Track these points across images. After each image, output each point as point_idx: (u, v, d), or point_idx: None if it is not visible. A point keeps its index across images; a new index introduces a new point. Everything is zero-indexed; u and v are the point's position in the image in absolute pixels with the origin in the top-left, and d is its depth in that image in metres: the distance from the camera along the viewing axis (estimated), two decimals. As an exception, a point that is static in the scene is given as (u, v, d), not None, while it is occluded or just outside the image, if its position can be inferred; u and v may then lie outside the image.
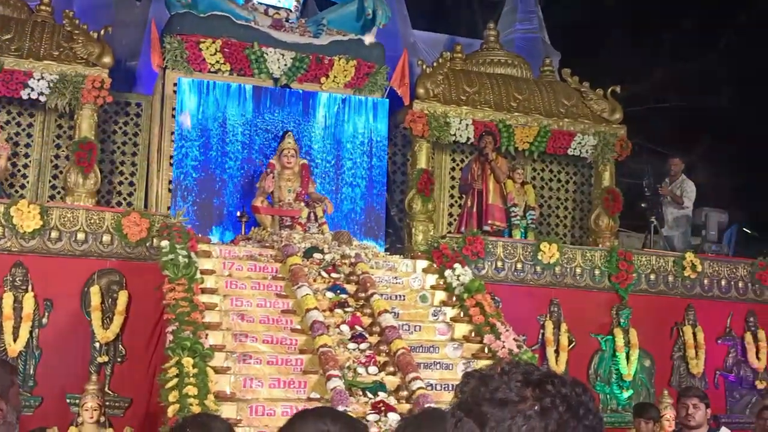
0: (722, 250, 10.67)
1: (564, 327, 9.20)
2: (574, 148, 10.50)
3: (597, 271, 9.53)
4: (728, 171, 16.17)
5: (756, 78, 17.11)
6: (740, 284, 10.10)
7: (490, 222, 9.75)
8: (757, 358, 9.90)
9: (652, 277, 9.76)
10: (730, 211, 11.55)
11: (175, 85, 9.42)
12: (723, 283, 10.03)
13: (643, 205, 10.52)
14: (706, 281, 9.95)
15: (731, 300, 10.05)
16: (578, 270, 9.48)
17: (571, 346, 9.21)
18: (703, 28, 17.38)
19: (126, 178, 9.85)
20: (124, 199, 9.78)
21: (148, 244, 8.06)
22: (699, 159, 15.81)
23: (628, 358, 9.33)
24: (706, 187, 12.30)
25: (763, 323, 10.02)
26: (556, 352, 9.11)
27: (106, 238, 8.08)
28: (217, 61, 9.52)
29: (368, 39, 9.92)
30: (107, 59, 8.91)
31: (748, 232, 14.20)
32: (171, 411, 5.80)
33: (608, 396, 9.36)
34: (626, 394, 9.35)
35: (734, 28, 17.32)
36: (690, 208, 10.89)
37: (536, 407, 1.38)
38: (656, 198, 10.51)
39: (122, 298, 7.84)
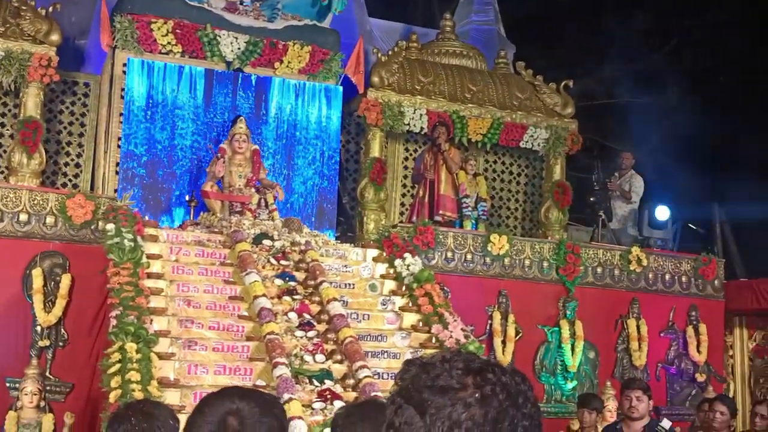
0: (667, 245, 10.86)
1: (511, 318, 9.28)
2: (527, 141, 10.57)
3: (545, 264, 9.63)
4: (676, 168, 16.45)
5: (703, 78, 17.44)
6: (683, 279, 10.30)
7: (441, 212, 9.77)
8: (698, 351, 10.12)
9: (599, 270, 9.90)
10: (676, 208, 11.75)
11: (124, 65, 9.24)
12: (667, 277, 10.22)
13: (591, 199, 10.64)
14: (650, 275, 10.12)
15: (674, 294, 10.25)
16: (527, 262, 9.57)
17: (518, 337, 9.30)
18: (655, 27, 17.63)
19: (72, 159, 9.64)
20: (70, 180, 9.57)
21: (93, 227, 7.91)
22: (647, 156, 16.05)
23: (573, 349, 9.45)
24: (653, 184, 12.49)
25: (705, 317, 10.24)
26: (503, 342, 9.19)
27: (49, 219, 7.91)
28: (169, 42, 9.35)
29: None
30: (55, 37, 8.68)
31: (693, 228, 14.48)
32: (113, 397, 5.71)
33: (553, 387, 9.48)
34: (570, 384, 9.48)
35: (684, 29, 17.61)
36: (637, 203, 11.05)
37: (477, 395, 1.38)
38: (605, 192, 10.64)
39: (65, 281, 7.68)
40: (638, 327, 9.86)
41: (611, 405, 7.66)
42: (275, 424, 1.82)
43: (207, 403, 1.87)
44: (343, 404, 6.02)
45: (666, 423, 5.30)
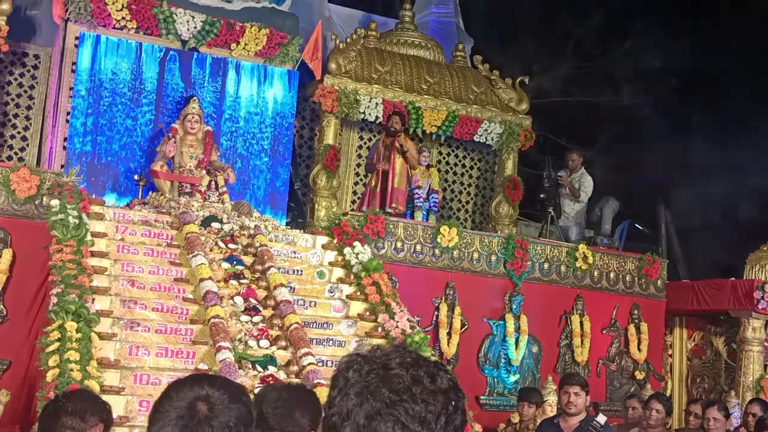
0: (613, 243, 11.03)
1: (458, 310, 9.34)
2: (481, 135, 10.63)
3: (493, 257, 9.70)
4: (624, 167, 16.70)
5: (655, 79, 17.73)
6: (627, 278, 10.47)
7: (393, 206, 9.77)
8: (638, 349, 10.31)
9: (546, 266, 10.01)
10: (623, 207, 11.92)
11: (76, 38, 9.04)
12: (612, 275, 10.38)
13: (541, 195, 10.74)
14: (596, 273, 10.27)
15: (618, 292, 10.41)
16: (475, 255, 9.63)
17: (463, 329, 9.36)
18: (610, 28, 17.86)
19: (19, 132, 9.43)
20: (16, 153, 9.36)
21: (37, 202, 7.73)
22: (597, 154, 16.29)
23: (517, 343, 9.55)
24: (603, 183, 12.66)
25: (646, 316, 10.44)
26: (449, 334, 9.24)
27: (-8, 193, 7.71)
28: (123, 18, 9.17)
29: None
30: (5, 6, 8.46)
31: (639, 228, 14.73)
32: (50, 376, 5.60)
33: (496, 379, 9.58)
34: (513, 378, 9.59)
35: (638, 30, 17.86)
36: (586, 202, 11.18)
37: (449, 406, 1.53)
38: (555, 189, 10.75)
39: (6, 256, 7.50)
40: (581, 323, 10.01)
41: (551, 399, 7.76)
42: (243, 410, 1.82)
43: (175, 389, 1.85)
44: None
45: (601, 418, 5.38)
